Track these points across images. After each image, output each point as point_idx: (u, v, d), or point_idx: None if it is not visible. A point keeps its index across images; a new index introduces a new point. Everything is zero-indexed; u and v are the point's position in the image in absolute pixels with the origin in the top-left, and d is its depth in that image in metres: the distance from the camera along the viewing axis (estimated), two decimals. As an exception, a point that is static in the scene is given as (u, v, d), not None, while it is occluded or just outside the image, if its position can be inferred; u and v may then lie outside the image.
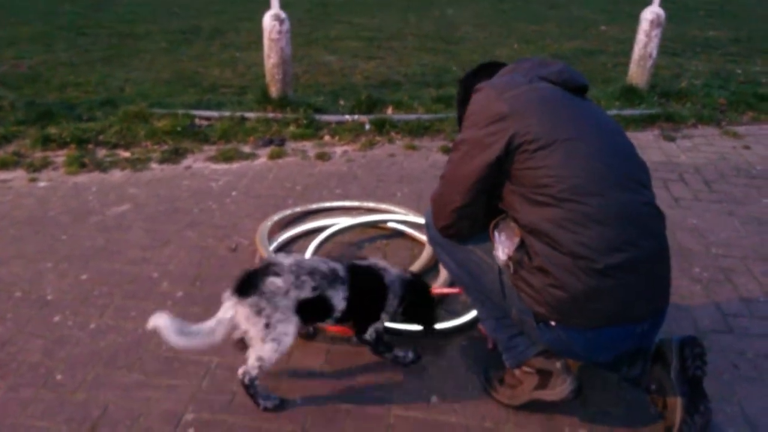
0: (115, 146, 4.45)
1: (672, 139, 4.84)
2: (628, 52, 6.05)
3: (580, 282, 1.78)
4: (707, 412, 1.96)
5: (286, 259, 2.11)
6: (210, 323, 2.02)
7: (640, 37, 5.58)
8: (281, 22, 4.91)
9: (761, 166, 4.38)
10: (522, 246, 1.91)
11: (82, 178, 3.96)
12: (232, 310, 2.02)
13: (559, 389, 2.07)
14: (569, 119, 1.88)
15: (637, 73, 5.73)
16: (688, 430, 1.93)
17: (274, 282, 2.02)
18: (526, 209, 1.85)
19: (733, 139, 4.91)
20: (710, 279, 2.96)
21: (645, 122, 5.16)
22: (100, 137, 4.53)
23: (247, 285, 2.03)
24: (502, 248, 1.96)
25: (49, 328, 2.53)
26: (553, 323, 1.87)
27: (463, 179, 1.93)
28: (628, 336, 1.91)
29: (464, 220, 2.02)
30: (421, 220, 3.23)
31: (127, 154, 4.31)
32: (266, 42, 5.01)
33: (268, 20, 4.92)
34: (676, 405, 1.94)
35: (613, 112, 5.18)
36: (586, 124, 1.90)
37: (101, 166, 4.11)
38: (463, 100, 2.17)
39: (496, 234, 1.99)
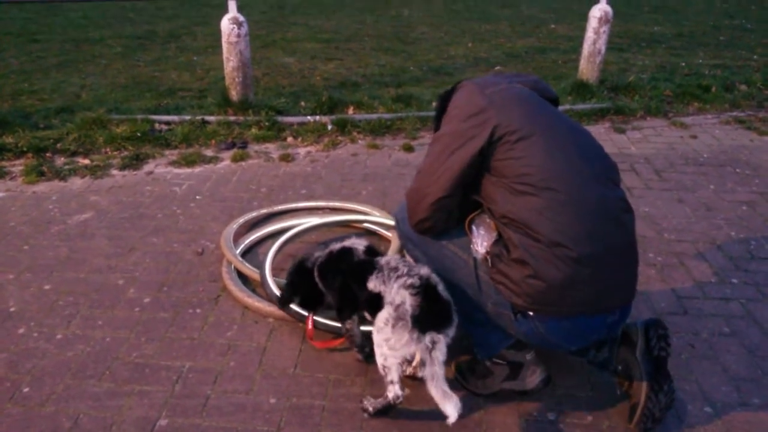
0: (74, 154, 4.36)
1: (622, 132, 5.02)
2: (577, 49, 6.23)
3: (558, 271, 1.83)
4: (671, 391, 2.04)
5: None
6: None
7: (589, 34, 5.74)
8: (240, 25, 4.89)
9: (708, 154, 4.58)
10: (500, 240, 1.95)
11: (42, 187, 3.86)
12: None
13: (530, 380, 2.14)
14: (546, 117, 1.96)
15: (587, 68, 5.89)
16: (653, 407, 2.00)
17: None
18: (505, 199, 1.89)
19: (681, 129, 5.11)
20: (664, 263, 3.10)
21: (596, 116, 5.33)
22: (58, 145, 4.42)
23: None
24: (481, 242, 1.98)
25: (13, 340, 2.47)
26: (531, 314, 1.92)
27: (445, 171, 1.95)
28: (600, 326, 1.98)
29: (441, 212, 2.03)
30: (386, 218, 3.28)
31: (86, 162, 4.22)
32: (225, 45, 4.98)
33: (226, 23, 4.89)
34: (642, 384, 2.01)
35: (565, 107, 5.33)
36: (561, 124, 1.98)
37: (60, 175, 4.01)
38: (440, 116, 2.22)
39: (474, 228, 2.02)
